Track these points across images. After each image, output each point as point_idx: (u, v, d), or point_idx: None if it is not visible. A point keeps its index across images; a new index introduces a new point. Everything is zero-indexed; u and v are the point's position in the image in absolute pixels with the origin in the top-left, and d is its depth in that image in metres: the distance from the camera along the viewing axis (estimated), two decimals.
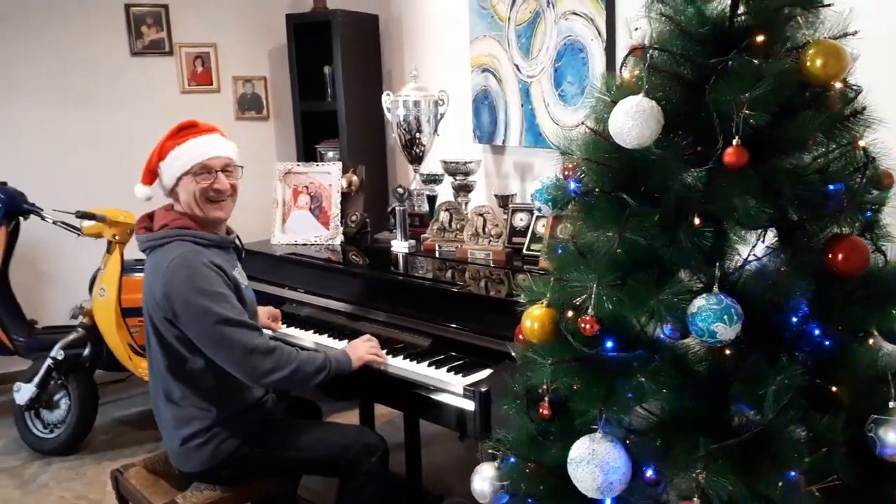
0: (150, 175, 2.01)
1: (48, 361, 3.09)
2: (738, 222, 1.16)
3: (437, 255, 2.65)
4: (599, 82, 1.34)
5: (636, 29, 1.29)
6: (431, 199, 2.98)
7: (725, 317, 1.11)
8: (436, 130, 3.02)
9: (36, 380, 3.10)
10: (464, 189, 2.89)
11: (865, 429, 1.20)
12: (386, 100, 3.04)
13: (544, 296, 1.34)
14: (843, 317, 1.21)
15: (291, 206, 3.01)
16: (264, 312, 2.38)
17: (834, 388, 1.19)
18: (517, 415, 1.40)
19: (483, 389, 1.84)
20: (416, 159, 3.05)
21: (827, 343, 1.21)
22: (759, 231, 1.20)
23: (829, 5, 1.20)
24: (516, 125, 3.17)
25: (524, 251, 2.48)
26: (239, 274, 2.04)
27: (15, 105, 3.75)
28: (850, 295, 1.22)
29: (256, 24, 4.21)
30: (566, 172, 1.33)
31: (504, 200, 2.78)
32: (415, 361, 2.07)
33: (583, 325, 1.21)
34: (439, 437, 3.01)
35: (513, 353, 1.47)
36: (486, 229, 2.53)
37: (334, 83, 4.04)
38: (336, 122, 4.01)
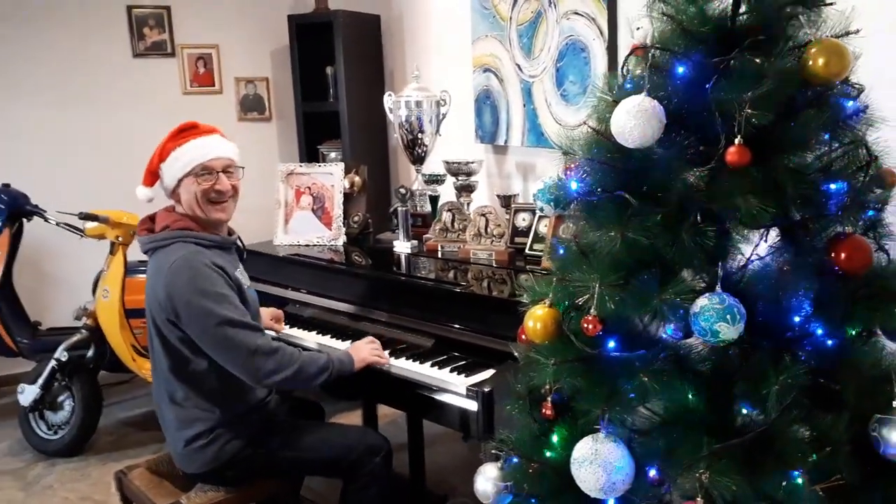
0: (152, 176, 2.01)
1: (52, 363, 3.10)
2: (741, 221, 1.16)
3: (439, 255, 2.65)
4: (601, 82, 1.34)
5: (638, 28, 1.29)
6: (434, 200, 2.98)
7: (728, 316, 1.11)
8: (438, 131, 3.02)
9: (40, 381, 3.11)
10: (466, 189, 2.89)
11: (869, 428, 1.20)
12: (388, 100, 3.04)
13: (547, 296, 1.34)
14: (846, 316, 1.21)
15: (294, 206, 3.01)
16: (267, 313, 2.38)
17: (837, 388, 1.19)
18: (520, 415, 1.40)
19: (486, 390, 1.84)
20: (419, 159, 3.05)
21: (830, 342, 1.21)
22: (762, 230, 1.20)
23: (830, 4, 1.20)
24: (518, 125, 3.17)
25: (527, 251, 2.48)
26: (241, 275, 2.04)
27: (17, 106, 3.76)
28: (854, 294, 1.22)
29: (258, 25, 4.21)
30: (568, 172, 1.33)
31: (506, 200, 2.78)
32: (418, 362, 2.07)
33: (585, 325, 1.21)
34: (443, 437, 3.01)
35: (515, 354, 1.47)
36: (489, 229, 2.53)
37: (336, 84, 4.04)
38: (338, 122, 4.01)
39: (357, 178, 3.05)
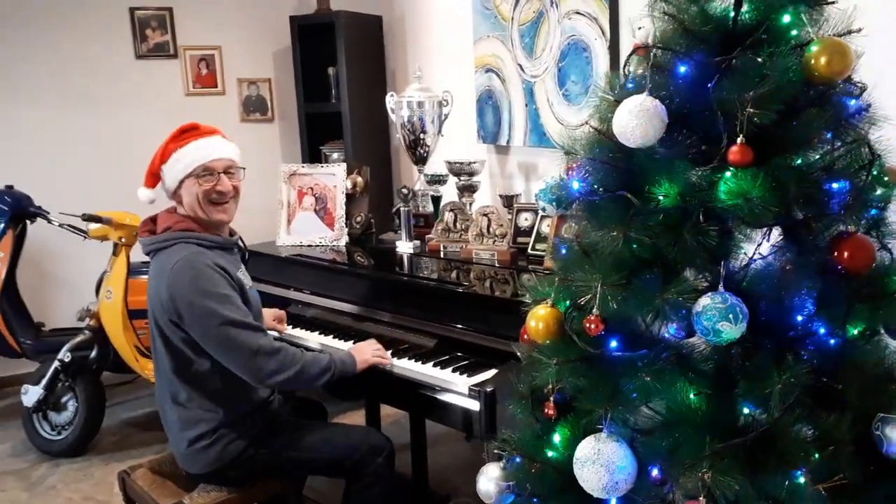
0: (153, 178, 2.01)
1: (55, 364, 3.11)
2: (743, 221, 1.16)
3: (441, 255, 2.65)
4: (603, 82, 1.34)
5: (639, 28, 1.29)
6: (436, 200, 2.98)
7: (731, 316, 1.11)
8: (440, 131, 3.02)
9: (43, 382, 3.11)
10: (468, 189, 2.89)
11: (872, 427, 1.19)
12: (390, 101, 3.04)
13: (549, 296, 1.34)
14: (849, 315, 1.21)
15: (296, 207, 3.02)
16: (270, 314, 2.38)
17: (840, 387, 1.19)
18: (522, 415, 1.40)
19: (488, 389, 1.84)
20: (421, 160, 3.05)
21: (833, 341, 1.21)
22: (764, 229, 1.19)
23: (832, 2, 1.20)
24: (520, 125, 3.17)
25: (529, 251, 2.48)
26: (243, 275, 2.04)
27: (20, 108, 3.77)
28: (857, 293, 1.22)
29: (260, 26, 4.22)
30: (570, 172, 1.33)
31: (508, 200, 2.78)
32: (420, 362, 2.07)
33: (588, 325, 1.21)
34: (445, 437, 3.01)
35: (518, 353, 1.47)
36: (491, 229, 2.53)
37: (338, 84, 4.05)
38: (340, 123, 4.01)
39: (359, 179, 3.05)
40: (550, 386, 1.31)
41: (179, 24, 4.03)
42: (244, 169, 2.06)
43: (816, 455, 1.12)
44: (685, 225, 1.16)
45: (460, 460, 2.96)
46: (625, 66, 1.29)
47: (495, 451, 1.44)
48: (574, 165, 1.32)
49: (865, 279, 1.22)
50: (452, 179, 2.93)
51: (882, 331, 1.27)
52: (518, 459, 1.38)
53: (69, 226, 3.26)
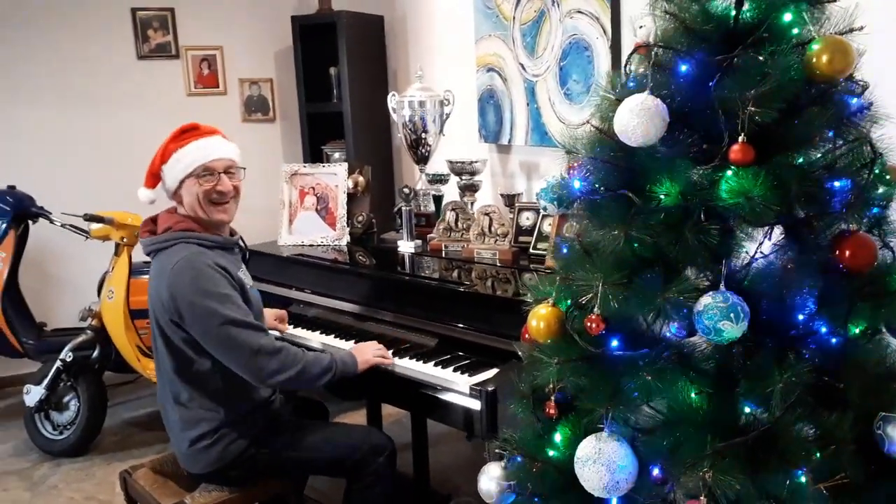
0: (153, 178, 2.02)
1: (57, 363, 3.11)
2: (745, 219, 1.15)
3: (443, 254, 2.65)
4: (604, 80, 1.33)
5: (641, 27, 1.29)
6: (437, 199, 2.98)
7: (732, 315, 1.10)
8: (441, 130, 3.02)
9: (45, 382, 3.12)
10: (470, 189, 2.89)
11: (874, 426, 1.19)
12: (391, 100, 3.04)
13: (550, 295, 1.34)
14: (850, 314, 1.21)
15: (298, 207, 3.02)
16: (271, 314, 2.38)
17: (841, 386, 1.19)
18: (523, 414, 1.40)
19: (489, 389, 1.84)
20: (422, 159, 3.05)
21: (834, 340, 1.20)
22: (766, 228, 1.19)
23: (833, 1, 1.20)
24: (522, 124, 3.17)
25: (530, 250, 2.48)
26: (244, 274, 2.04)
27: (22, 109, 3.77)
28: (858, 292, 1.21)
29: (262, 26, 4.22)
30: (571, 171, 1.33)
31: (510, 199, 2.77)
32: (421, 361, 2.07)
33: (589, 324, 1.21)
34: (447, 436, 3.01)
35: (519, 353, 1.47)
36: (493, 229, 2.53)
37: (340, 84, 4.05)
38: (342, 123, 4.02)
39: (361, 179, 3.05)
40: (551, 385, 1.31)
41: (181, 25, 4.03)
42: (244, 169, 2.06)
43: (818, 454, 1.11)
44: (686, 224, 1.16)
45: (461, 460, 2.96)
46: (626, 65, 1.29)
47: (496, 450, 1.44)
48: (575, 164, 1.32)
49: (867, 278, 1.22)
50: (454, 179, 2.93)
51: (884, 329, 1.26)
52: (519, 459, 1.38)
53: (71, 226, 3.27)
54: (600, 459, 1.19)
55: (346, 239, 2.94)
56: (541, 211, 2.47)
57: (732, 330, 1.11)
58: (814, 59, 1.13)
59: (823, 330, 1.20)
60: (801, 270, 1.18)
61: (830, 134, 1.19)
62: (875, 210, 1.26)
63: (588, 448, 1.21)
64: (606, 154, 1.25)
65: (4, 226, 3.29)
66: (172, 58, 4.04)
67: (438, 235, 2.71)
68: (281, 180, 3.04)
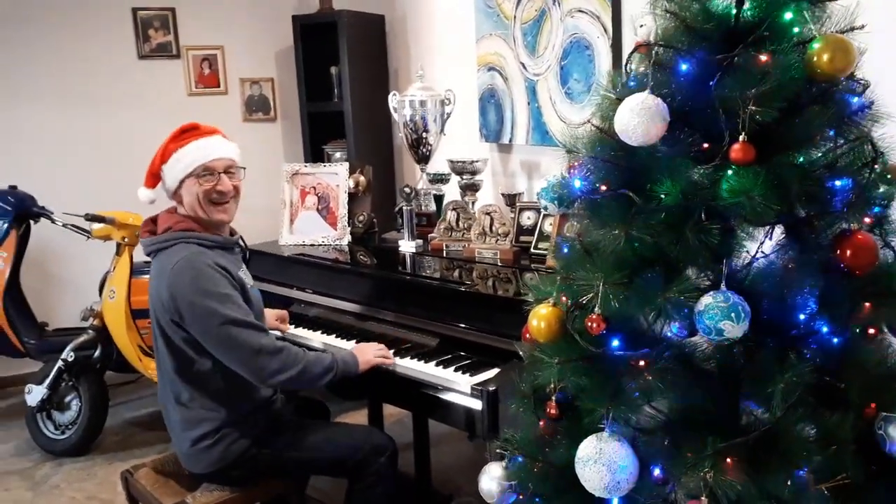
0: (153, 178, 2.02)
1: (59, 363, 3.11)
2: (746, 219, 1.15)
3: (444, 254, 2.65)
4: (605, 80, 1.33)
5: (641, 26, 1.29)
6: (438, 199, 2.98)
7: (733, 314, 1.10)
8: (442, 130, 3.02)
9: (47, 381, 3.12)
10: (471, 188, 2.89)
11: (875, 426, 1.19)
12: (392, 100, 3.04)
13: (551, 295, 1.34)
14: (851, 314, 1.20)
15: (299, 206, 3.02)
16: (272, 314, 2.38)
17: (843, 386, 1.18)
18: (525, 414, 1.40)
19: (491, 389, 1.84)
20: (423, 159, 3.05)
21: (836, 340, 1.20)
22: (767, 228, 1.19)
23: None
24: (523, 123, 3.16)
25: (532, 250, 2.48)
26: (244, 274, 2.04)
27: (23, 109, 3.77)
28: (860, 291, 1.21)
29: (263, 25, 4.22)
30: (572, 170, 1.32)
31: (511, 199, 2.77)
32: (423, 361, 2.07)
33: (589, 324, 1.21)
34: (448, 436, 3.01)
35: (520, 353, 1.47)
36: (494, 228, 2.52)
37: (341, 84, 4.05)
38: (343, 122, 4.02)
39: (362, 178, 3.05)
40: (552, 385, 1.30)
41: (182, 25, 4.03)
42: (244, 169, 2.06)
43: (819, 454, 1.11)
44: (687, 223, 1.16)
45: (463, 460, 2.96)
46: (626, 64, 1.29)
47: (497, 450, 1.44)
48: (575, 164, 1.32)
49: (868, 277, 1.22)
50: (455, 178, 2.93)
51: (885, 329, 1.26)
52: (520, 459, 1.38)
53: (72, 226, 3.27)
54: (601, 459, 1.19)
55: (348, 239, 2.94)
56: (542, 210, 2.47)
57: (733, 330, 1.11)
58: (815, 58, 1.12)
59: (825, 330, 1.19)
60: (803, 270, 1.18)
61: (831, 133, 1.19)
62: (876, 209, 1.25)
63: (589, 448, 1.21)
64: (607, 153, 1.25)
65: (6, 226, 3.30)
66: (173, 57, 4.05)
67: (439, 235, 2.71)
68: (282, 180, 3.04)
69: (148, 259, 2.04)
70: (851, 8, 1.18)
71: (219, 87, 4.17)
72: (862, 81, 1.21)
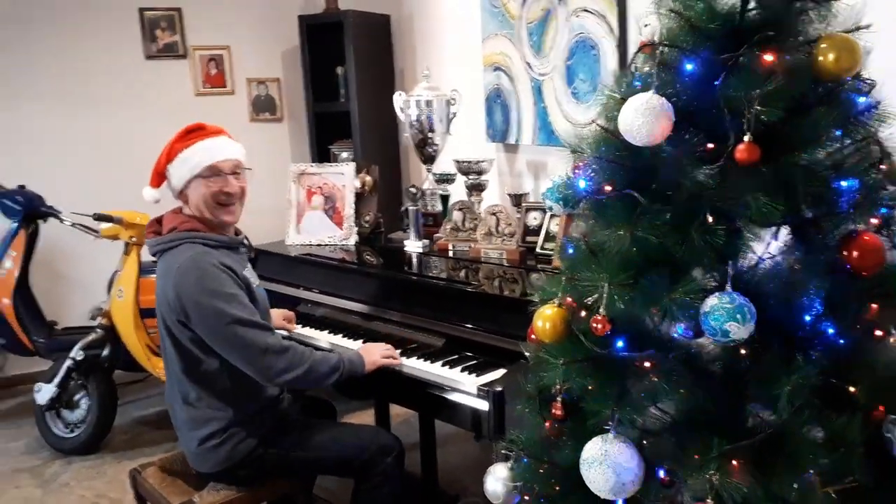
0: (159, 178, 2.02)
1: (68, 362, 3.13)
2: (751, 220, 1.14)
3: (450, 254, 2.65)
4: (611, 79, 1.33)
5: (646, 25, 1.28)
6: (444, 199, 2.98)
7: (738, 316, 1.09)
8: (448, 130, 3.02)
9: (56, 380, 3.14)
10: (477, 188, 2.89)
11: (883, 429, 1.18)
12: (398, 100, 3.04)
13: (556, 295, 1.33)
14: (858, 315, 1.20)
15: (305, 206, 3.02)
16: (278, 314, 2.39)
17: (850, 388, 1.18)
18: (530, 415, 1.39)
19: (497, 389, 1.84)
20: (429, 159, 3.05)
21: (842, 342, 1.19)
22: (773, 228, 1.18)
23: None
24: (529, 123, 3.16)
25: (538, 250, 2.47)
26: (249, 273, 2.05)
27: (30, 109, 3.80)
28: (867, 293, 1.20)
29: (269, 25, 4.23)
30: (577, 171, 1.32)
31: (517, 199, 2.77)
32: (429, 361, 2.07)
33: (594, 325, 1.21)
34: (455, 437, 3.01)
35: (526, 353, 1.46)
36: (500, 228, 2.52)
37: (347, 84, 4.05)
38: (349, 122, 4.02)
39: (368, 178, 3.05)
40: (558, 386, 1.30)
41: (188, 25, 4.05)
42: (250, 169, 2.07)
43: (826, 457, 1.10)
44: (692, 224, 1.15)
45: (470, 460, 2.96)
46: (631, 64, 1.28)
47: (503, 451, 1.43)
48: (581, 164, 1.32)
49: (876, 279, 1.21)
50: (461, 178, 2.93)
51: (893, 331, 1.25)
52: (526, 460, 1.38)
53: (81, 225, 3.29)
54: (606, 461, 1.19)
55: (354, 238, 2.94)
56: (548, 211, 2.46)
57: (739, 331, 1.10)
58: (820, 58, 1.12)
59: (831, 331, 1.18)
60: (809, 271, 1.17)
61: (837, 133, 1.18)
62: (883, 210, 1.24)
63: (594, 449, 1.21)
64: (612, 153, 1.25)
65: (15, 225, 3.32)
66: (180, 58, 4.06)
67: (445, 235, 2.71)
68: (288, 180, 3.04)
69: (155, 259, 2.05)
70: (857, 7, 1.17)
71: (225, 87, 4.18)
72: (868, 81, 1.20)
